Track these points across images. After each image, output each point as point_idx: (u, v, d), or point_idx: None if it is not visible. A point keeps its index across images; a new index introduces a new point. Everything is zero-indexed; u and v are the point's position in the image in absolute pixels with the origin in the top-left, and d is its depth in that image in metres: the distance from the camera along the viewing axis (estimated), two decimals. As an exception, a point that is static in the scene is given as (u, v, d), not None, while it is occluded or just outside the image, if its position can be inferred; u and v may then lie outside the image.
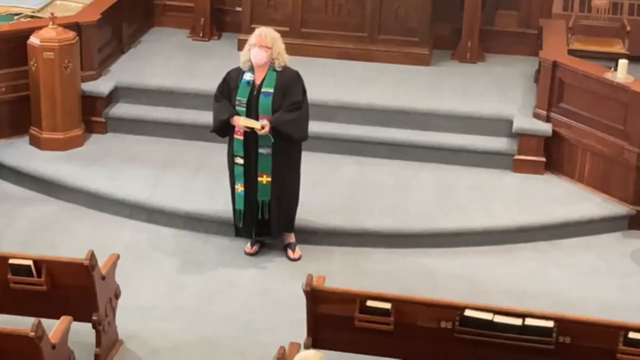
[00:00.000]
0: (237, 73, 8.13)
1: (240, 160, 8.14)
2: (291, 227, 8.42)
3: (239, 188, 8.19)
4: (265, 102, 7.99)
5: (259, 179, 8.13)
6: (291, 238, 8.44)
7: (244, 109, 8.02)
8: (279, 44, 8.03)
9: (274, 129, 7.97)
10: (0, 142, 9.71)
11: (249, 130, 7.99)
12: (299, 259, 8.38)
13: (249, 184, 8.17)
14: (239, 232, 8.41)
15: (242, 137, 8.07)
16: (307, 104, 8.10)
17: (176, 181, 9.17)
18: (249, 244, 8.43)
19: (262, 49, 7.95)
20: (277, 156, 8.08)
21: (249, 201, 8.20)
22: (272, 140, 7.98)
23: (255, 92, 8.01)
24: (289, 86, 8.02)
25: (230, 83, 8.12)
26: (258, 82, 8.03)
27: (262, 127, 7.93)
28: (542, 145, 9.52)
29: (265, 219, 8.25)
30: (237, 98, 8.04)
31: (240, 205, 8.23)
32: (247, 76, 8.05)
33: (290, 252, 8.40)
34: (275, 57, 8.00)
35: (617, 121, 9.10)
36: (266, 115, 7.99)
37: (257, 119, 7.99)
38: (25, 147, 9.67)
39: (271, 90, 7.99)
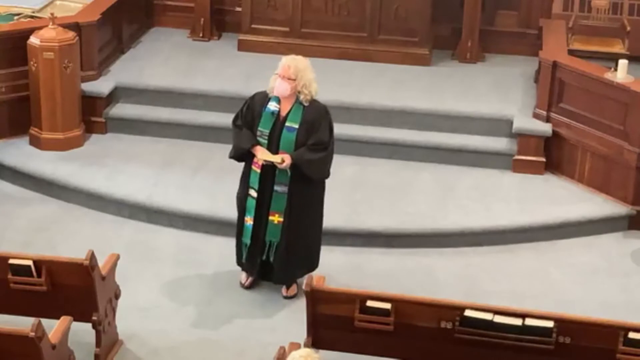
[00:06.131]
0: (262, 99, 7.54)
1: (254, 194, 7.57)
2: (312, 268, 7.73)
3: (248, 221, 7.63)
4: (288, 138, 7.42)
5: (270, 217, 7.56)
6: None
7: (266, 141, 7.46)
8: (307, 75, 7.40)
9: (293, 165, 7.43)
10: (0, 142, 9.71)
11: (269, 163, 7.45)
12: (293, 296, 7.82)
13: (259, 220, 7.60)
14: (241, 265, 7.88)
15: (259, 170, 7.50)
16: (333, 144, 7.60)
17: (176, 181, 9.16)
18: (244, 275, 7.95)
19: (284, 80, 7.37)
20: (295, 196, 7.53)
21: (256, 238, 7.65)
22: (289, 174, 7.47)
23: (279, 125, 7.46)
24: (316, 123, 7.44)
25: (254, 109, 7.52)
26: (283, 113, 7.46)
27: (283, 161, 7.38)
28: (542, 146, 9.52)
29: (269, 261, 7.68)
30: (260, 129, 7.47)
31: (247, 239, 7.67)
32: (272, 105, 7.47)
33: (284, 288, 7.85)
34: (300, 89, 7.40)
35: (617, 121, 9.10)
36: (287, 151, 7.44)
37: (276, 153, 7.45)
38: (25, 147, 9.66)
39: (296, 125, 7.42)
